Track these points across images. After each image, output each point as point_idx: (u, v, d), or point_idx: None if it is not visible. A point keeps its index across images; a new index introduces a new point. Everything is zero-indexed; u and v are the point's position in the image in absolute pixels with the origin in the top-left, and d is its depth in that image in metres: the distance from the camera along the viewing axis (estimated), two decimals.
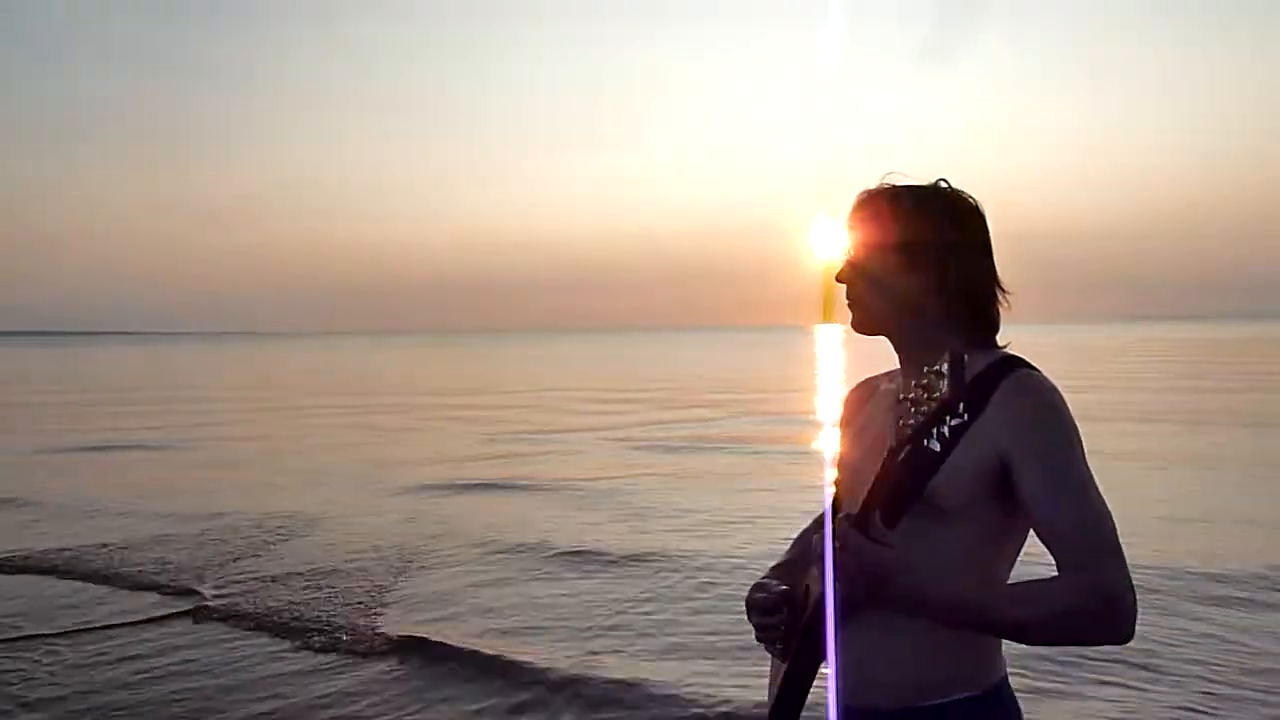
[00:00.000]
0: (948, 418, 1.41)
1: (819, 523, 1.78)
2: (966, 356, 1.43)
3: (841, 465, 1.70)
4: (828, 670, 1.58)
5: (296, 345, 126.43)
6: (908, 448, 1.46)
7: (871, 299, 1.62)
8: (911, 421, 1.43)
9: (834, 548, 1.46)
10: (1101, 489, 1.47)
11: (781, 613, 1.64)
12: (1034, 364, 1.57)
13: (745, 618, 1.70)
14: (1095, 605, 1.40)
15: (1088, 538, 1.43)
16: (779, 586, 1.67)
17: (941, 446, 1.42)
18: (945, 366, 1.39)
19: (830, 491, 1.70)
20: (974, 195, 1.63)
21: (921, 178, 1.63)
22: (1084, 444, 1.50)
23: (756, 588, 1.69)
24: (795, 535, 1.87)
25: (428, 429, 19.10)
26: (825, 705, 1.61)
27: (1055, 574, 1.46)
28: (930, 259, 1.57)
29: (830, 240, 1.69)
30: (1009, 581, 1.57)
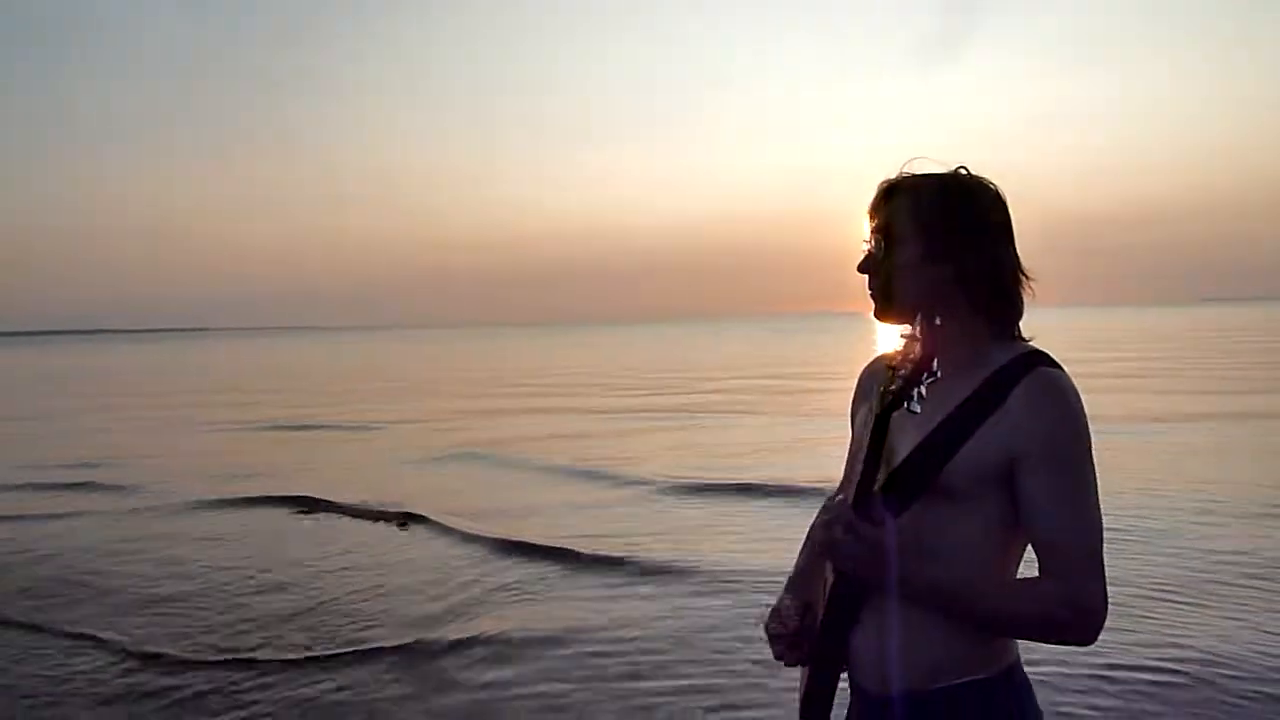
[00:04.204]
0: (924, 376, 1.42)
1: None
2: (934, 322, 1.46)
3: (853, 447, 1.70)
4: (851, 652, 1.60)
5: (393, 338, 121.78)
6: (912, 433, 1.50)
7: (893, 288, 1.61)
8: (893, 387, 1.45)
9: (827, 527, 1.49)
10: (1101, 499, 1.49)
11: (800, 648, 1.65)
12: (1058, 360, 1.55)
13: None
14: (1071, 616, 1.46)
15: (1077, 551, 1.46)
16: (794, 616, 1.66)
17: (922, 409, 1.44)
18: (918, 330, 1.41)
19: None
20: (995, 181, 1.60)
21: (945, 165, 1.61)
22: (1094, 449, 1.50)
23: (773, 616, 1.70)
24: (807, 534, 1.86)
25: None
26: (848, 690, 1.63)
27: (1037, 576, 1.49)
28: (951, 247, 1.56)
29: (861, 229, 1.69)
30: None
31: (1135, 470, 9.80)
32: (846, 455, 1.72)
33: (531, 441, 14.51)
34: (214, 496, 10.47)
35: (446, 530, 8.35)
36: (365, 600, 6.42)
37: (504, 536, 7.88)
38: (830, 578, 1.60)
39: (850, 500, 1.51)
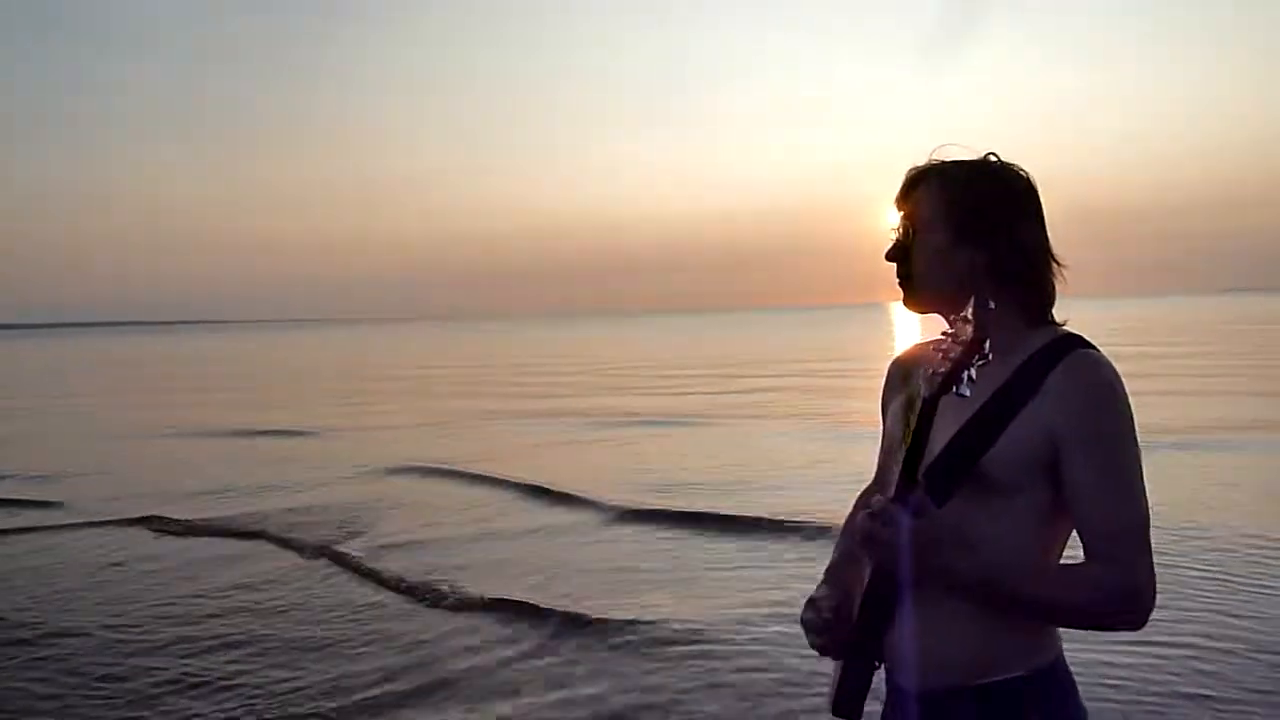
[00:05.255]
0: (975, 359, 1.41)
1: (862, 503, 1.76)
2: (987, 305, 1.44)
3: (886, 441, 1.68)
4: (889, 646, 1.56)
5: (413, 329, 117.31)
6: (951, 423, 1.48)
7: (922, 277, 1.60)
8: (942, 370, 1.44)
9: (870, 520, 1.46)
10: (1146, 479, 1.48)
11: (835, 640, 1.61)
12: (1094, 343, 1.54)
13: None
14: (1120, 601, 1.44)
15: (1123, 534, 1.45)
16: (830, 605, 1.62)
17: (972, 392, 1.42)
18: (970, 311, 1.40)
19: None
20: (1025, 168, 1.60)
21: (975, 152, 1.60)
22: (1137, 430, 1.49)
23: (809, 604, 1.66)
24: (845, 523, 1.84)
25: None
26: (883, 687, 1.60)
27: (1083, 561, 1.47)
28: (982, 234, 1.55)
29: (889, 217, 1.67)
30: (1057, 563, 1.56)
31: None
32: (879, 449, 1.69)
33: (515, 455, 13.18)
34: (87, 519, 9.53)
35: (370, 573, 7.21)
36: (288, 668, 5.27)
37: (467, 589, 6.66)
38: (868, 568, 1.57)
39: (892, 489, 1.49)
